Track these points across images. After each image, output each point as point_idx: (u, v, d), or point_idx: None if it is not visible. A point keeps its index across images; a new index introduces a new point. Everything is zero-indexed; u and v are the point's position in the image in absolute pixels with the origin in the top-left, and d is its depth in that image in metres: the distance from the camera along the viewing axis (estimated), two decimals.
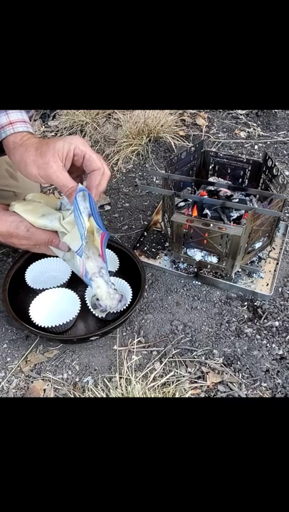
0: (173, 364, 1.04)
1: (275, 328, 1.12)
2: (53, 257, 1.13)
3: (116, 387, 0.97)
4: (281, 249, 1.31)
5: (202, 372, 1.02)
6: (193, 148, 1.29)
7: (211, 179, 1.36)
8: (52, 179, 0.81)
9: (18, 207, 0.88)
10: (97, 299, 1.07)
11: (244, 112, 1.94)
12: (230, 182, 1.33)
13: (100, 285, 0.93)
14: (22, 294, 1.13)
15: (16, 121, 0.88)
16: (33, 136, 0.88)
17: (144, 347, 1.08)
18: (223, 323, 1.13)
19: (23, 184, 1.21)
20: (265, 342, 1.09)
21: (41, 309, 1.07)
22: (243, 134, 1.82)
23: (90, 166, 0.84)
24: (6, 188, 1.19)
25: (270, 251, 1.30)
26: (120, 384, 0.98)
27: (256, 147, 1.76)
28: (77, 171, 0.87)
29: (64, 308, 1.08)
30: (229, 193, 1.28)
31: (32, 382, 1.01)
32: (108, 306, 1.07)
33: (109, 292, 0.96)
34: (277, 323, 1.12)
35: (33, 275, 1.14)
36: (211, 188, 1.31)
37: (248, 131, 1.84)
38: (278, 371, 1.03)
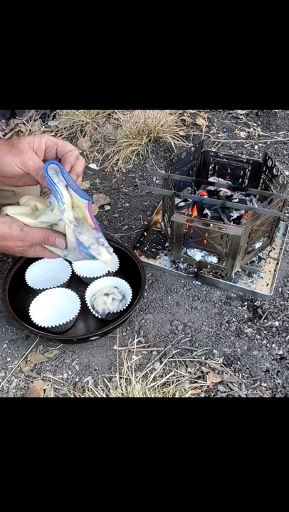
0: (173, 364, 1.04)
1: (275, 328, 1.12)
2: None
3: (116, 387, 0.97)
4: (281, 249, 1.31)
5: (202, 372, 1.02)
6: (193, 148, 1.29)
7: (211, 179, 1.36)
8: (28, 164, 0.83)
9: (10, 209, 0.87)
10: (94, 307, 1.08)
11: (244, 112, 1.94)
12: (230, 182, 1.33)
13: (100, 252, 0.91)
14: (22, 294, 1.13)
15: None
16: (2, 139, 0.91)
17: (144, 347, 1.08)
18: (223, 323, 1.13)
19: None
20: (265, 342, 1.09)
21: (41, 309, 1.07)
22: (243, 134, 1.82)
23: (64, 150, 0.86)
24: (5, 188, 1.19)
25: (270, 251, 1.30)
26: (120, 384, 0.98)
27: (256, 147, 1.76)
28: None
29: (64, 308, 1.08)
30: (229, 193, 1.28)
31: (32, 382, 1.01)
32: (106, 309, 1.07)
33: (110, 256, 0.94)
34: (277, 323, 1.12)
35: (33, 275, 1.14)
36: (211, 188, 1.30)
37: (248, 131, 1.84)
38: (278, 371, 1.03)
